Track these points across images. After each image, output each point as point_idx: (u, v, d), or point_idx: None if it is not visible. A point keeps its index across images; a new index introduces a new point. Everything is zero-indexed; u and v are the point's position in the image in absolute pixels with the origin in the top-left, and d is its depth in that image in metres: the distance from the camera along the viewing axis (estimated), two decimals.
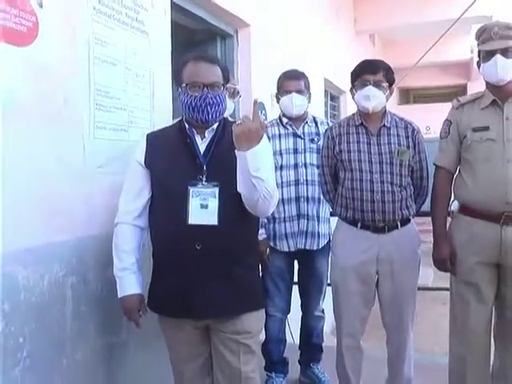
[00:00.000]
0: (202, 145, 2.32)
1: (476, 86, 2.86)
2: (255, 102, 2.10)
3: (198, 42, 4.61)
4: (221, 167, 2.24)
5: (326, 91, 8.31)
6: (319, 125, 3.51)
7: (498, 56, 2.67)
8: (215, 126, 2.33)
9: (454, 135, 2.87)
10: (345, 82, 3.10)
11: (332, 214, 3.39)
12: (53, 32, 2.32)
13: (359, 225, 2.96)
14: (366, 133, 2.98)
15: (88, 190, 2.53)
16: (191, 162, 2.28)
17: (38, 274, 2.23)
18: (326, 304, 3.52)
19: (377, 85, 2.88)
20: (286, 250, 3.43)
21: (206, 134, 2.32)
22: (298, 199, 3.39)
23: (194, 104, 2.24)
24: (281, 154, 3.40)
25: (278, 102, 3.53)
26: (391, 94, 3.00)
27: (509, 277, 2.77)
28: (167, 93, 3.19)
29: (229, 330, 2.30)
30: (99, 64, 2.61)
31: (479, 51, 2.80)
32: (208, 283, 2.22)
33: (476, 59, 2.89)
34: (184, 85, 2.26)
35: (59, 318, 2.35)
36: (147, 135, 2.43)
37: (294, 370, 3.77)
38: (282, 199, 3.36)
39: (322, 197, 3.35)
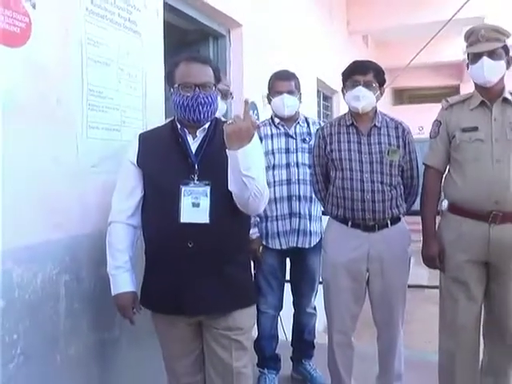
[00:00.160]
0: (193, 144, 2.34)
1: (469, 87, 2.88)
2: (246, 102, 2.13)
3: (190, 42, 4.63)
4: (212, 166, 2.26)
5: (318, 91, 8.35)
6: (311, 125, 3.54)
7: (485, 58, 2.71)
8: (207, 125, 2.36)
9: (443, 135, 2.90)
10: (337, 83, 3.12)
11: (324, 213, 3.42)
12: (46, 33, 2.34)
13: (350, 223, 2.99)
14: (356, 133, 3.01)
15: (82, 188, 2.55)
16: (183, 162, 2.30)
17: (31, 271, 2.25)
18: (318, 302, 3.55)
19: (367, 85, 2.91)
20: (279, 247, 3.46)
21: (198, 134, 2.35)
22: (290, 198, 3.42)
23: (186, 104, 2.27)
24: (273, 154, 3.43)
25: (269, 103, 3.56)
26: (382, 94, 3.03)
27: (497, 274, 2.81)
28: (160, 93, 3.21)
29: (221, 327, 2.32)
30: (92, 64, 2.63)
31: (467, 53, 2.83)
32: (200, 280, 2.25)
33: (466, 61, 2.93)
34: (176, 85, 2.29)
35: (52, 315, 2.37)
36: (139, 135, 2.46)
37: (287, 366, 3.79)
38: (275, 198, 3.39)
39: (313, 196, 3.37)
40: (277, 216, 3.43)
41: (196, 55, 2.49)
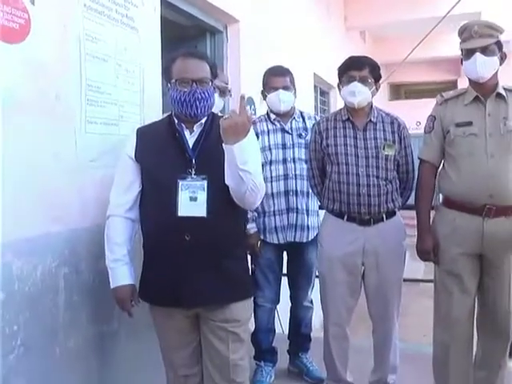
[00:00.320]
0: (190, 139, 2.37)
1: (466, 82, 2.90)
2: (242, 97, 2.15)
3: (187, 37, 4.64)
4: (209, 161, 2.29)
5: (315, 86, 8.38)
6: (306, 120, 3.56)
7: (478, 54, 2.73)
8: (203, 120, 2.38)
9: (437, 130, 2.93)
10: (335, 78, 3.14)
11: (321, 207, 3.45)
12: (45, 29, 2.36)
13: (345, 217, 3.02)
14: (352, 127, 3.04)
15: (80, 183, 2.58)
16: (180, 156, 2.33)
17: (31, 264, 2.28)
18: (315, 297, 3.58)
19: (362, 81, 2.94)
20: (276, 242, 3.48)
21: (195, 129, 2.37)
22: (287, 193, 3.44)
23: (183, 99, 2.29)
24: (270, 150, 3.45)
25: (264, 99, 3.57)
26: (377, 89, 3.05)
27: (490, 268, 2.84)
28: (157, 88, 3.23)
29: (218, 319, 2.35)
30: (90, 60, 2.65)
31: (461, 49, 2.86)
32: (197, 273, 2.28)
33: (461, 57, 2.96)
34: (173, 80, 2.31)
35: (52, 307, 2.41)
36: (137, 130, 2.49)
37: (283, 359, 3.82)
38: (272, 193, 3.42)
39: (310, 190, 3.40)
40: (274, 211, 3.45)
41: (193, 51, 2.52)
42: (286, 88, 3.44)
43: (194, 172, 2.29)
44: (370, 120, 3.03)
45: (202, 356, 2.48)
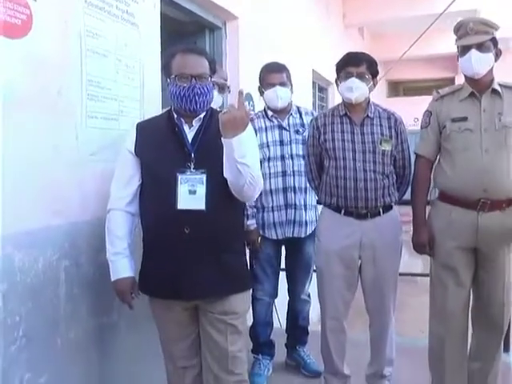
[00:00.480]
0: (189, 133, 2.40)
1: (463, 80, 2.95)
2: (241, 92, 2.18)
3: (186, 34, 4.67)
4: (208, 155, 2.33)
5: (314, 83, 8.41)
6: (303, 115, 3.59)
7: (473, 51, 2.76)
8: (202, 115, 2.42)
9: (433, 125, 2.96)
10: (333, 74, 3.16)
11: (318, 202, 3.49)
12: (46, 25, 2.39)
13: (343, 211, 3.05)
14: (350, 123, 3.07)
15: (81, 176, 2.61)
16: (179, 150, 2.36)
17: (32, 256, 2.31)
18: (313, 291, 3.62)
19: (360, 76, 2.97)
20: (275, 238, 3.52)
21: (194, 123, 2.41)
22: (285, 190, 3.48)
23: (182, 94, 2.32)
24: (268, 147, 3.48)
25: (261, 95, 3.59)
26: (375, 85, 3.08)
27: (485, 261, 2.88)
28: (156, 83, 3.26)
29: (217, 311, 2.39)
30: (91, 55, 2.67)
31: (457, 46, 2.88)
32: (196, 265, 2.32)
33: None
34: (173, 76, 2.34)
35: (53, 298, 2.43)
36: (137, 124, 2.52)
37: (281, 353, 3.87)
38: (270, 190, 3.46)
39: (308, 186, 3.44)
40: (273, 207, 3.49)
41: (192, 47, 2.54)
42: (282, 84, 3.46)
43: (193, 166, 2.32)
44: (368, 115, 3.06)
45: (200, 348, 2.52)
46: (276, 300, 3.80)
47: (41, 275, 2.36)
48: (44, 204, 2.38)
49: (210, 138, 2.34)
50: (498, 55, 2.86)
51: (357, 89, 2.97)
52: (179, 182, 2.30)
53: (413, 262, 7.50)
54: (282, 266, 3.78)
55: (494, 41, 2.82)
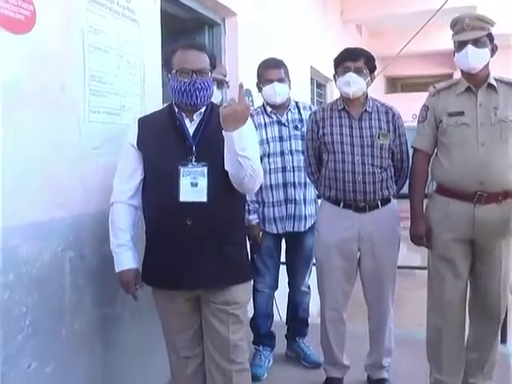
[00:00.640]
0: (191, 127, 2.44)
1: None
2: (241, 86, 2.23)
3: (186, 30, 4.69)
4: (209, 148, 2.37)
5: (312, 79, 8.45)
6: (302, 110, 3.62)
7: (470, 46, 2.79)
8: (203, 109, 2.46)
9: (430, 120, 3.00)
10: (331, 71, 3.21)
11: (319, 196, 3.53)
12: (49, 21, 2.42)
13: (341, 204, 3.10)
14: (348, 117, 3.11)
15: (84, 170, 2.65)
16: (181, 144, 2.41)
17: (37, 248, 2.35)
18: (313, 284, 3.68)
19: (357, 71, 3.01)
20: (275, 232, 3.57)
21: (195, 117, 2.45)
22: (285, 185, 3.52)
23: (183, 89, 2.37)
24: (268, 143, 3.51)
25: (259, 91, 3.62)
26: (372, 80, 3.13)
27: (482, 253, 2.92)
28: (157, 79, 3.30)
29: (219, 301, 2.43)
30: (93, 51, 2.71)
31: (454, 42, 2.92)
32: (198, 256, 2.36)
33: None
34: (174, 71, 2.38)
35: (58, 289, 2.48)
36: (139, 119, 2.56)
37: (281, 344, 3.90)
38: (271, 185, 3.50)
39: (308, 180, 3.48)
40: (273, 202, 3.53)
41: (192, 42, 2.58)
42: (280, 80, 3.49)
43: (194, 159, 2.36)
44: (366, 110, 3.10)
45: (202, 338, 2.56)
46: (276, 294, 3.84)
47: (46, 266, 2.40)
48: (48, 197, 2.42)
49: (211, 132, 2.38)
50: (493, 50, 2.89)
51: (354, 83, 3.01)
52: (181, 175, 2.34)
53: (411, 257, 7.57)
54: (282, 259, 3.82)
55: (490, 36, 2.86)
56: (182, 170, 2.35)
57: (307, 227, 3.58)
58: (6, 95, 2.20)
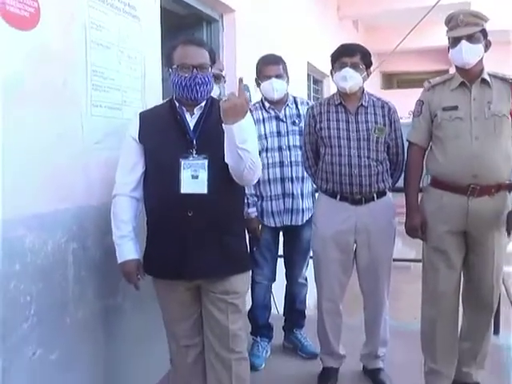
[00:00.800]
0: (191, 121, 2.50)
1: None
2: (241, 80, 2.29)
3: (185, 26, 4.72)
4: (209, 141, 2.42)
5: (309, 75, 8.50)
6: (299, 105, 3.67)
7: (464, 42, 2.84)
8: (203, 103, 2.51)
9: (425, 114, 3.04)
10: (328, 67, 3.26)
11: (316, 190, 3.59)
12: (53, 17, 2.47)
13: (338, 197, 3.16)
14: (344, 111, 3.17)
15: (86, 163, 2.70)
16: (182, 137, 2.46)
17: (42, 238, 2.40)
18: (309, 277, 3.74)
19: (354, 66, 3.06)
20: (273, 225, 3.63)
21: (195, 112, 2.50)
22: (283, 180, 3.57)
23: (184, 84, 2.42)
24: (266, 138, 3.56)
25: (258, 87, 3.67)
26: (368, 75, 3.18)
27: (475, 245, 2.97)
28: (157, 74, 3.36)
29: (218, 291, 2.49)
30: (95, 47, 2.76)
31: (448, 37, 2.96)
32: (199, 246, 2.42)
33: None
34: (175, 66, 2.44)
35: (62, 280, 2.54)
36: (140, 113, 2.61)
37: (279, 336, 3.97)
38: (268, 179, 3.56)
39: (305, 175, 3.54)
40: (271, 196, 3.59)
41: (192, 38, 2.64)
42: (278, 76, 3.53)
43: (195, 152, 2.42)
44: (362, 104, 3.16)
45: (202, 327, 2.62)
46: (274, 287, 3.90)
47: (50, 257, 2.45)
48: (52, 189, 2.47)
49: (211, 126, 2.44)
50: (487, 46, 2.93)
51: (351, 78, 3.06)
52: (182, 168, 2.40)
53: (406, 251, 7.63)
54: (280, 253, 3.88)
55: (484, 32, 2.90)
56: (182, 163, 2.40)
57: (304, 221, 3.63)
58: (11, 90, 2.24)
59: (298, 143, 3.56)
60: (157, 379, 3.36)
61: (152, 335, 3.11)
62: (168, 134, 2.49)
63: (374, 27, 13.15)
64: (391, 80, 18.47)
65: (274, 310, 4.03)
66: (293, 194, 3.58)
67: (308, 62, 8.04)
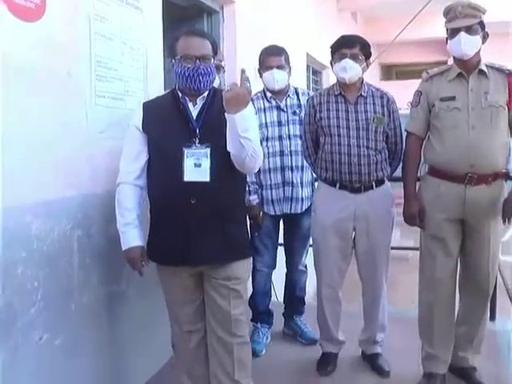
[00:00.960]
0: (194, 111, 2.54)
1: None
2: (243, 71, 2.33)
3: (186, 18, 4.74)
4: (212, 130, 2.47)
5: (308, 66, 8.53)
6: (301, 96, 3.71)
7: (462, 33, 2.87)
8: (206, 93, 2.56)
9: (423, 104, 3.08)
10: (327, 58, 3.30)
11: (315, 180, 3.64)
12: (58, 9, 2.50)
13: (338, 185, 3.22)
14: (344, 101, 3.22)
15: (91, 152, 2.74)
16: (185, 127, 2.51)
17: (48, 225, 2.45)
18: (310, 267, 3.80)
19: (353, 57, 3.11)
20: (273, 213, 3.69)
21: (198, 101, 2.55)
22: (282, 168, 3.63)
23: (187, 74, 2.47)
24: (266, 127, 3.61)
25: (260, 77, 3.71)
26: (368, 66, 3.23)
27: (471, 232, 3.03)
28: (159, 65, 3.40)
29: (220, 276, 2.54)
30: (98, 38, 2.80)
31: (446, 29, 3.00)
32: (202, 233, 2.47)
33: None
34: (178, 57, 2.48)
35: (67, 267, 2.59)
36: (143, 103, 2.66)
37: (279, 323, 4.03)
38: (269, 168, 3.61)
39: (305, 164, 3.59)
40: (271, 185, 3.65)
41: (195, 30, 2.68)
42: (280, 67, 3.58)
43: (197, 141, 2.47)
44: (361, 94, 3.21)
45: (205, 314, 2.67)
46: (274, 275, 3.95)
47: (56, 244, 2.50)
48: (58, 177, 2.52)
49: (213, 115, 2.49)
50: (485, 38, 2.96)
51: (350, 69, 3.11)
52: (185, 156, 2.44)
53: (404, 242, 7.69)
54: (280, 241, 3.94)
55: (482, 24, 2.93)
56: (185, 152, 2.45)
57: (304, 209, 3.69)
58: (17, 80, 2.28)
59: (298, 133, 3.61)
60: (159, 365, 3.43)
61: (155, 322, 3.18)
62: (171, 123, 2.54)
63: (372, 18, 13.16)
64: (390, 71, 18.49)
65: (273, 298, 4.08)
66: (292, 182, 3.63)
67: (307, 53, 8.07)
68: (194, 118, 2.53)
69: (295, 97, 3.72)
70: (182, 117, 2.53)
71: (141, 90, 3.19)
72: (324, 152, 3.25)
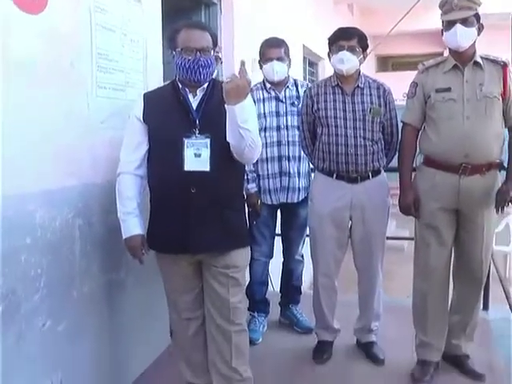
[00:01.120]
0: (194, 102, 2.59)
1: None
2: (243, 62, 2.37)
3: (183, 10, 4.76)
4: (211, 121, 2.51)
5: (304, 58, 8.54)
6: (299, 87, 3.75)
7: (458, 25, 2.91)
8: (205, 85, 2.60)
9: (419, 95, 3.12)
10: (323, 50, 3.35)
11: (312, 170, 3.69)
12: (60, 1, 2.52)
13: (334, 175, 3.27)
14: (341, 93, 3.27)
15: (92, 142, 2.78)
16: (185, 117, 2.55)
17: (51, 214, 2.49)
18: (307, 256, 3.86)
19: (351, 49, 3.16)
20: (270, 203, 3.74)
21: (198, 93, 2.59)
22: (280, 158, 3.67)
23: (187, 66, 2.51)
24: (265, 117, 3.66)
25: (260, 69, 3.75)
26: (365, 58, 3.27)
27: (465, 222, 3.08)
28: (158, 56, 3.44)
29: (219, 265, 2.59)
30: (100, 30, 2.83)
31: (442, 21, 3.03)
32: (202, 222, 2.52)
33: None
34: (179, 49, 2.52)
35: (69, 254, 2.64)
36: (144, 94, 2.70)
37: (275, 312, 4.09)
38: (266, 158, 3.65)
39: (302, 154, 3.64)
40: (268, 175, 3.70)
41: (196, 22, 2.74)
42: (279, 59, 3.62)
43: (197, 131, 2.51)
44: (358, 86, 3.26)
45: (203, 302, 2.72)
46: (270, 266, 3.99)
47: (58, 232, 2.54)
48: (59, 166, 2.55)
49: (213, 106, 2.53)
50: (480, 30, 3.00)
51: (348, 61, 3.16)
52: (185, 146, 2.49)
53: (400, 233, 7.75)
54: (278, 232, 3.98)
55: (477, 16, 2.97)
56: (186, 142, 2.49)
57: (300, 199, 3.74)
58: (21, 71, 2.32)
59: (296, 123, 3.65)
60: (158, 353, 3.49)
61: (153, 310, 3.23)
62: (171, 114, 2.58)
63: (369, 10, 13.14)
64: (386, 63, 18.46)
65: (269, 288, 4.13)
66: (289, 172, 3.68)
67: (304, 45, 8.08)
68: (194, 108, 2.57)
69: (294, 88, 3.77)
70: (182, 108, 2.57)
71: (141, 81, 3.23)
72: (321, 142, 3.29)
